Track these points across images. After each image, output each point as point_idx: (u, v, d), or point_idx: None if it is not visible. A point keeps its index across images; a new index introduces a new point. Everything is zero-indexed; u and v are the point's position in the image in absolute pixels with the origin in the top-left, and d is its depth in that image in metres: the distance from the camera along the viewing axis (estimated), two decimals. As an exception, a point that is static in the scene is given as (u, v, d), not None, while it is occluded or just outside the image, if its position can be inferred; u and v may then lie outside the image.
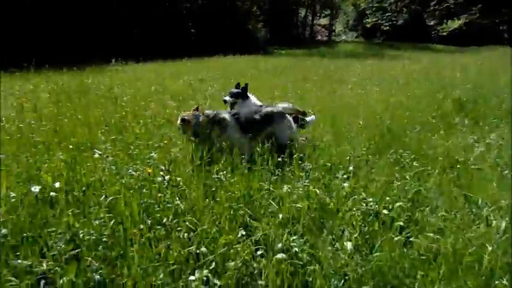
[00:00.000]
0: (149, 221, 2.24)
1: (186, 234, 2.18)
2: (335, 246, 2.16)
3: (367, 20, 38.75)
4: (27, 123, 3.96)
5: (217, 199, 2.55)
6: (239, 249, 2.05)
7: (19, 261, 1.80)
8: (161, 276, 1.87)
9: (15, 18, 12.50)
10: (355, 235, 2.21)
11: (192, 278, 1.82)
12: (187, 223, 2.24)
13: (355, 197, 2.59)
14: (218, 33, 20.57)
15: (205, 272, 1.90)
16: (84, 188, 2.42)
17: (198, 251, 2.04)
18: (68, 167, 2.70)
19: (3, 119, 4.05)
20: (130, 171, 2.72)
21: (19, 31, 12.42)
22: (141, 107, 5.41)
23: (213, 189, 2.69)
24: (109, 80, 8.62)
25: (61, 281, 1.71)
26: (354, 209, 2.47)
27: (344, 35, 41.75)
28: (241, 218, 2.36)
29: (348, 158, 3.40)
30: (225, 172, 2.97)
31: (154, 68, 12.02)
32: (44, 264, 1.75)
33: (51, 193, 2.43)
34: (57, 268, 1.78)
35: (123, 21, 16.44)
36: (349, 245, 2.10)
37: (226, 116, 3.65)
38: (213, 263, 1.98)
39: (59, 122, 4.03)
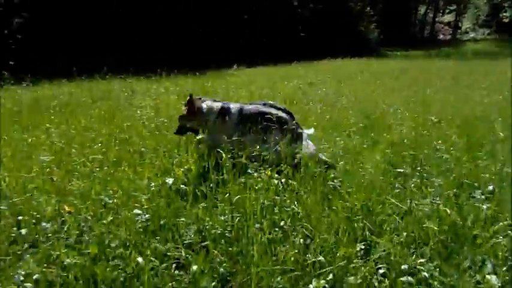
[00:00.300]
0: (265, 222, 2.29)
1: (302, 240, 2.16)
2: (474, 277, 1.86)
3: (504, 14, 33.23)
4: (161, 121, 4.52)
5: (333, 208, 2.47)
6: (359, 264, 1.94)
7: (158, 245, 2.04)
8: (279, 279, 1.89)
9: (153, 31, 14.53)
10: (503, 269, 1.86)
11: (310, 286, 1.79)
12: (304, 229, 2.22)
13: (501, 223, 2.19)
14: (328, 36, 20.31)
15: (322, 282, 1.85)
16: (211, 184, 2.62)
17: (315, 260, 2.00)
18: (198, 164, 2.96)
19: (145, 117, 4.72)
20: (249, 171, 2.83)
21: (153, 41, 14.40)
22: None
23: (329, 197, 2.62)
24: (225, 83, 9.29)
25: (192, 268, 1.86)
26: (499, 237, 2.10)
27: (472, 32, 36.64)
28: (360, 231, 2.23)
29: (487, 175, 2.92)
30: (341, 180, 2.87)
31: (265, 72, 12.51)
32: (183, 252, 1.94)
33: (181, 186, 2.71)
34: (188, 256, 1.95)
35: (239, 27, 17.57)
36: (493, 279, 1.79)
37: (232, 106, 3.26)
38: (331, 275, 1.91)
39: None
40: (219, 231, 2.14)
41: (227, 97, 7.08)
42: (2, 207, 2.37)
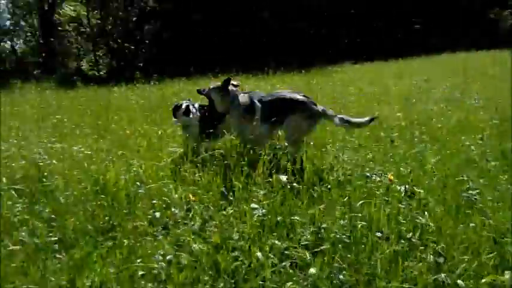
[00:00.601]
0: (389, 232, 2.10)
1: (432, 257, 1.91)
2: None
3: None
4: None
5: (471, 224, 2.12)
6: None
7: (276, 241, 2.04)
8: (407, 297, 1.70)
9: (260, 32, 15.07)
10: None
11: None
12: (436, 246, 1.96)
13: None
14: (447, 27, 18.08)
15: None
16: (328, 186, 2.52)
17: (449, 282, 1.74)
18: (310, 162, 2.91)
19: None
20: (367, 174, 2.66)
21: (261, 41, 14.94)
22: (367, 108, 5.35)
23: (467, 211, 2.26)
24: (331, 81, 9.03)
25: (310, 271, 1.80)
26: None
27: None
28: (510, 256, 1.87)
29: None
30: (478, 191, 2.46)
31: (374, 68, 11.81)
32: (307, 253, 1.90)
33: (294, 184, 2.68)
34: (307, 257, 1.90)
35: (344, 24, 16.93)
36: None
37: (254, 98, 3.46)
38: (473, 303, 1.64)
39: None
40: (338, 236, 2.04)
41: (333, 94, 6.86)
42: (140, 190, 2.70)
